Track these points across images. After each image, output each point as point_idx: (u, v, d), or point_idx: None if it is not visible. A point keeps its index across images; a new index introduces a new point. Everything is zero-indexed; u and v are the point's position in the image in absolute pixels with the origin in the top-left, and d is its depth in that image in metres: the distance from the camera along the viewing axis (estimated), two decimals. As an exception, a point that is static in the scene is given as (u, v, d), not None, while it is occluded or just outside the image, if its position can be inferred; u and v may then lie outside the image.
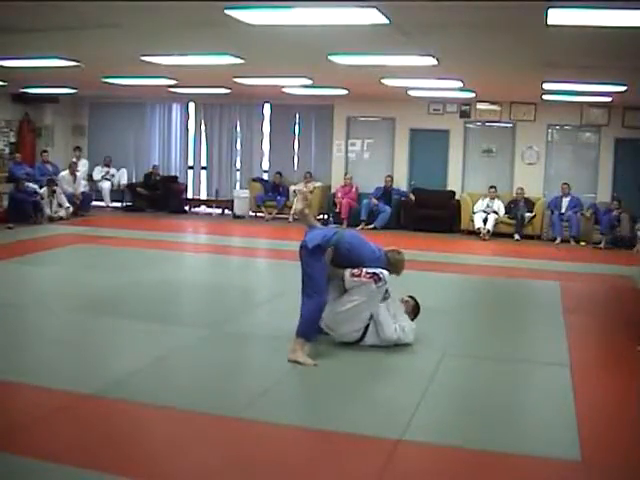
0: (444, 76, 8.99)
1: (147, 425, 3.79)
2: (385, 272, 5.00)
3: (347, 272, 4.96)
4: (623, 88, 8.98)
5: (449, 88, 10.36)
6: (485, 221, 11.95)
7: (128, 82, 10.80)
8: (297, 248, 4.95)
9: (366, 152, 13.77)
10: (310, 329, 4.84)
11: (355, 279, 4.93)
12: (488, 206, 12.10)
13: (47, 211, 11.93)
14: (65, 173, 13.21)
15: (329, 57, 7.46)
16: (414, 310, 5.34)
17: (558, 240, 11.64)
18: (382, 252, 5.22)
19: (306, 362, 4.71)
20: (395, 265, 5.19)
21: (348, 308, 4.98)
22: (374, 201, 12.56)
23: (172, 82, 10.69)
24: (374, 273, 4.93)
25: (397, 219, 12.64)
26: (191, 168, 14.94)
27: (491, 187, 12.27)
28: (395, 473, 3.30)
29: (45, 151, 13.76)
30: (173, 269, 8.43)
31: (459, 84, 9.76)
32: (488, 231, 11.82)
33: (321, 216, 13.02)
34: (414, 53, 7.00)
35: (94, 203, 13.84)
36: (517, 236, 11.84)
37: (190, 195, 14.78)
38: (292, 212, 12.84)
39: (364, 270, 4.94)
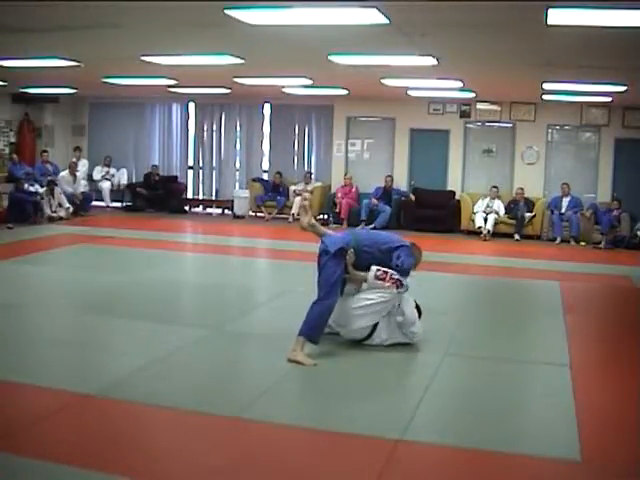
0: (444, 76, 8.99)
1: (147, 425, 3.79)
2: (407, 279, 5.06)
3: (373, 270, 4.96)
4: (623, 88, 8.98)
5: (449, 88, 10.36)
6: (485, 221, 11.96)
7: (128, 82, 10.80)
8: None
9: (366, 152, 13.78)
10: (315, 331, 4.83)
11: (378, 282, 4.96)
12: (488, 206, 12.10)
13: (47, 211, 11.93)
14: (65, 173, 13.22)
15: (329, 57, 7.46)
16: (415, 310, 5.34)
17: (558, 240, 11.65)
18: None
19: (306, 362, 4.71)
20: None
21: (364, 305, 5.00)
22: (374, 201, 12.56)
23: (172, 82, 10.70)
24: (398, 279, 4.97)
25: (397, 219, 12.64)
26: (191, 168, 14.95)
27: (493, 187, 12.27)
28: (395, 473, 3.30)
29: (45, 151, 13.75)
30: (173, 269, 8.44)
31: (459, 84, 9.76)
32: (488, 231, 11.82)
33: (321, 216, 13.03)
34: (414, 53, 7.00)
35: (94, 203, 13.83)
36: (517, 236, 11.84)
37: (190, 195, 14.78)
38: (292, 213, 12.91)
39: (389, 273, 4.96)
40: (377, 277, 4.95)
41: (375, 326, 5.08)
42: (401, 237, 5.34)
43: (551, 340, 5.66)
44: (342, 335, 5.19)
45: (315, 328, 4.83)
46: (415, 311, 5.19)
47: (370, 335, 5.11)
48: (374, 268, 4.96)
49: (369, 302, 5.00)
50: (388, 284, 4.95)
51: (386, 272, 4.97)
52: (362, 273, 5.00)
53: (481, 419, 3.98)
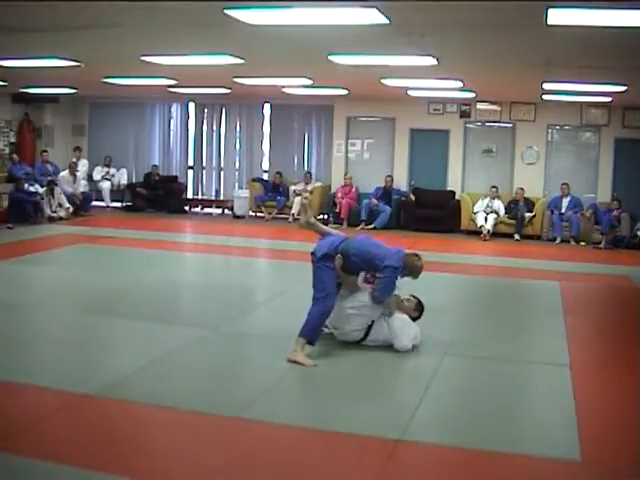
0: (444, 76, 8.98)
1: (147, 425, 3.79)
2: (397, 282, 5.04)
3: (361, 275, 5.07)
4: (623, 88, 8.98)
5: (449, 88, 10.36)
6: (485, 221, 11.96)
7: (128, 82, 10.79)
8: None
9: (366, 152, 13.77)
10: (313, 332, 4.85)
11: (367, 285, 5.06)
12: (488, 206, 12.10)
13: (47, 211, 11.93)
14: (65, 173, 13.22)
15: (329, 57, 7.46)
16: (417, 308, 5.33)
17: (558, 240, 11.65)
18: (401, 251, 5.06)
19: (305, 362, 4.71)
20: (412, 270, 5.05)
21: (356, 306, 5.04)
22: (374, 201, 12.55)
23: (172, 82, 10.69)
24: None
25: (397, 219, 12.63)
26: (191, 168, 14.95)
27: (493, 187, 12.26)
28: (395, 473, 3.30)
29: (45, 151, 13.76)
30: (173, 269, 8.43)
31: (459, 84, 9.76)
32: (488, 231, 11.82)
33: (321, 216, 13.03)
34: (414, 53, 7.00)
35: (94, 203, 13.84)
36: (517, 236, 11.84)
37: (190, 195, 14.78)
38: (292, 212, 12.91)
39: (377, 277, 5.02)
40: (366, 280, 5.07)
41: (369, 329, 5.09)
42: (396, 250, 5.05)
43: (551, 340, 5.66)
44: (336, 337, 5.20)
45: (314, 329, 4.85)
46: (403, 325, 5.14)
47: (364, 339, 5.12)
48: (362, 273, 5.07)
49: (360, 303, 5.04)
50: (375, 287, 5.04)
51: (374, 276, 5.05)
52: (352, 277, 5.06)
53: (481, 419, 3.98)
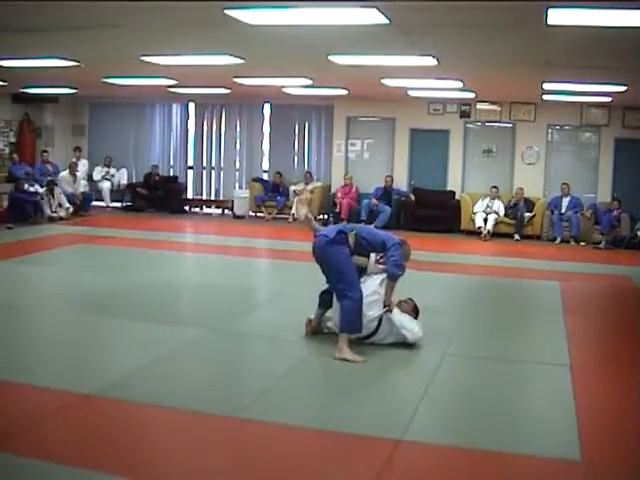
0: (444, 76, 8.99)
1: (147, 425, 3.79)
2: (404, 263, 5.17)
3: (372, 256, 5.16)
4: (623, 88, 8.98)
5: (449, 88, 10.36)
6: (485, 221, 11.96)
7: (128, 82, 10.80)
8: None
9: (366, 152, 13.77)
10: (353, 324, 4.89)
11: (380, 266, 5.13)
12: (488, 206, 12.10)
13: (47, 211, 11.93)
14: (65, 173, 13.22)
15: (329, 57, 7.46)
16: (414, 310, 5.35)
17: (558, 240, 11.65)
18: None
19: (355, 359, 4.75)
20: (405, 254, 5.23)
21: (371, 292, 5.05)
22: (374, 201, 12.55)
23: (172, 82, 10.70)
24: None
25: (397, 219, 12.62)
26: (191, 168, 14.95)
27: (493, 187, 12.26)
28: (395, 473, 3.30)
29: (45, 151, 13.77)
30: (173, 269, 8.44)
31: (459, 84, 9.76)
32: (488, 231, 11.82)
33: (321, 216, 13.02)
34: (414, 53, 7.00)
35: (94, 203, 13.84)
36: (517, 236, 11.84)
37: (190, 195, 14.78)
38: (292, 213, 12.91)
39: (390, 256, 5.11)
40: (377, 261, 5.15)
41: (380, 321, 5.09)
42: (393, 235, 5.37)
43: (551, 340, 5.66)
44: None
45: (352, 322, 4.89)
46: (401, 315, 5.21)
47: (376, 330, 5.11)
48: (373, 255, 5.16)
49: (373, 289, 5.07)
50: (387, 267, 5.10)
51: (382, 257, 5.15)
52: (363, 259, 5.14)
53: (481, 419, 3.98)
